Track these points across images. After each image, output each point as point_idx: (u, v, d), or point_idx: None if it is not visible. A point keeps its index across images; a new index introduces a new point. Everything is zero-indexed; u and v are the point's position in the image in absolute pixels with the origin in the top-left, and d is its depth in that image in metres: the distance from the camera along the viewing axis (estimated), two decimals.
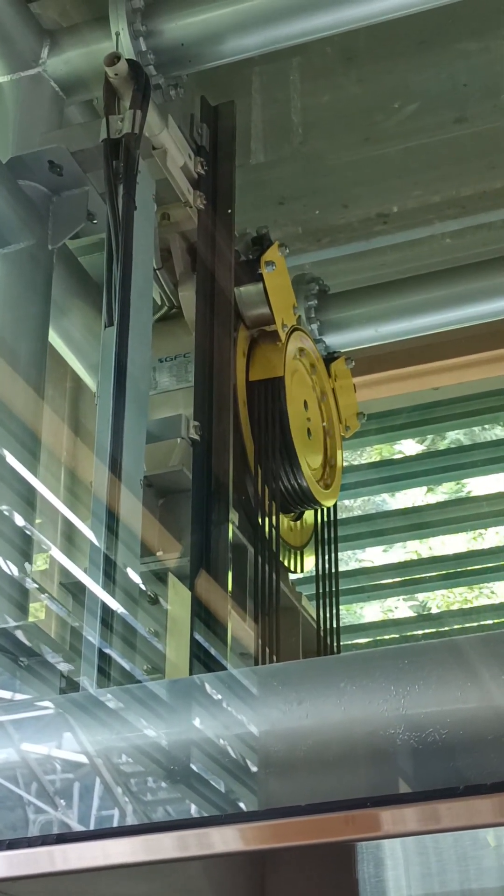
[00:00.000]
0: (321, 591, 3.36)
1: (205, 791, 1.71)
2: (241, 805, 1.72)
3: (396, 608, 6.03)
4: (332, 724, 1.64)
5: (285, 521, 3.25)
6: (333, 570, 3.41)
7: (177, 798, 1.73)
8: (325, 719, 1.64)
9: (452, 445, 5.34)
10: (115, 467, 2.51)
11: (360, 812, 1.52)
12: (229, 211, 3.01)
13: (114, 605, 2.45)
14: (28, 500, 2.79)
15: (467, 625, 5.00)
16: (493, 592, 6.02)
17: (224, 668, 2.64)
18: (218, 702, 1.80)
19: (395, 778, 1.58)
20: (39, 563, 3.47)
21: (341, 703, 1.64)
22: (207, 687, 1.83)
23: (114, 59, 2.75)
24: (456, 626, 5.01)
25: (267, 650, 2.87)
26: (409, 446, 5.50)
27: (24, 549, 2.81)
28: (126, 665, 2.43)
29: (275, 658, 2.89)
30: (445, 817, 1.49)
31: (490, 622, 4.91)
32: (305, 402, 3.33)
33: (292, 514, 3.30)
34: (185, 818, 1.72)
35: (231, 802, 1.73)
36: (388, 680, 1.63)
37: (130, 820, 1.72)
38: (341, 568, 3.61)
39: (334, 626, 3.34)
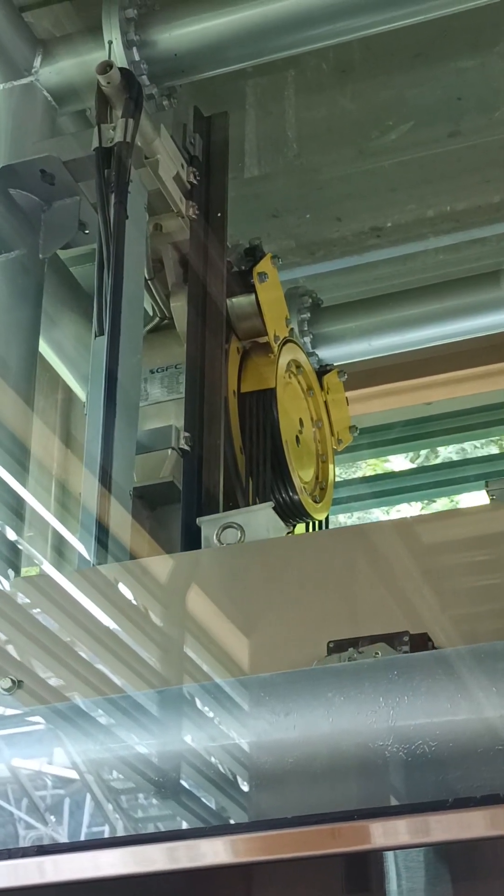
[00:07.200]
0: None
1: (190, 804, 1.69)
2: (229, 817, 1.71)
3: None
4: (320, 735, 1.62)
5: None
6: None
7: (163, 809, 1.71)
8: (313, 731, 1.62)
9: (460, 457, 5.32)
10: (105, 478, 2.49)
11: (348, 825, 1.50)
12: (219, 214, 3.00)
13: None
14: (18, 512, 2.78)
15: None
16: None
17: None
18: (205, 713, 1.78)
19: (383, 790, 1.57)
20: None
21: (329, 714, 1.62)
22: (195, 698, 1.81)
23: (106, 67, 2.73)
24: None
25: None
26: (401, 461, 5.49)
27: (14, 561, 2.79)
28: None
29: None
30: (434, 830, 1.47)
31: None
32: (297, 415, 3.31)
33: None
34: (173, 830, 1.70)
35: (218, 815, 1.71)
36: (377, 691, 1.61)
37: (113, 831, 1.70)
38: None
39: None
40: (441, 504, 5.71)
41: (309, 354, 3.60)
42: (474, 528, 2.06)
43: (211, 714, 1.79)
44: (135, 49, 2.97)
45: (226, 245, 3.08)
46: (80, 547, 2.47)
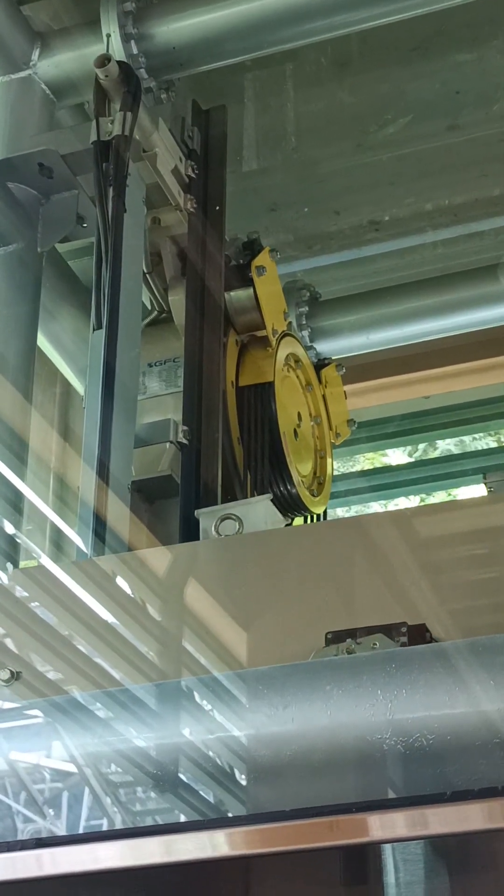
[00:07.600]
0: None
1: (188, 797, 1.69)
2: (227, 810, 1.71)
3: None
4: (318, 728, 1.62)
5: None
6: None
7: (161, 802, 1.71)
8: (311, 724, 1.62)
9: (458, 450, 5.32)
10: (103, 472, 2.49)
11: (346, 817, 1.50)
12: (217, 208, 2.99)
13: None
14: (16, 506, 2.78)
15: None
16: None
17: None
18: (203, 706, 1.78)
19: (381, 783, 1.57)
20: None
21: (327, 707, 1.62)
22: (193, 691, 1.81)
23: (104, 60, 2.73)
24: None
25: None
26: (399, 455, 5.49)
27: (13, 555, 2.79)
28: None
29: None
30: (432, 823, 1.47)
31: None
32: (295, 409, 3.31)
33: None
34: (171, 823, 1.70)
35: (216, 808, 1.71)
36: (376, 684, 1.61)
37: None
38: None
39: None
40: (439, 498, 5.71)
41: (307, 348, 3.60)
42: (472, 520, 2.06)
43: (209, 707, 1.79)
44: (133, 42, 2.97)
45: (224, 239, 3.07)
46: (79, 541, 2.47)
